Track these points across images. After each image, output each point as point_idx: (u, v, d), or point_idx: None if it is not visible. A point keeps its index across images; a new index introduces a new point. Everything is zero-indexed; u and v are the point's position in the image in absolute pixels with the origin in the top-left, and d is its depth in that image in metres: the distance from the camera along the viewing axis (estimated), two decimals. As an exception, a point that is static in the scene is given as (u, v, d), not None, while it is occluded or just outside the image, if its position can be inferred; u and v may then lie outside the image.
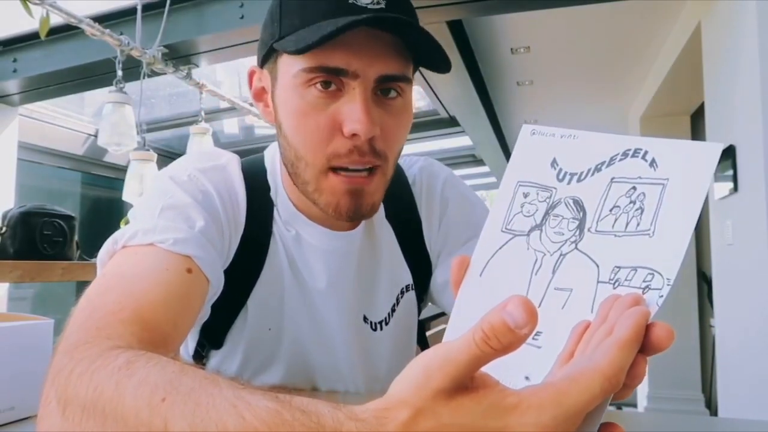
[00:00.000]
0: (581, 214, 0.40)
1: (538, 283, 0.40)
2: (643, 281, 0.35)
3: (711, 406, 3.82)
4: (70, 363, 0.42)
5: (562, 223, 0.41)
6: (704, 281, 3.82)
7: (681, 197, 0.36)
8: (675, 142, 0.39)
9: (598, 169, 0.41)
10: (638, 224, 0.37)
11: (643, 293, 0.35)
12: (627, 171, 0.40)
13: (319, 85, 0.60)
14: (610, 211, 0.39)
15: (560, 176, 0.43)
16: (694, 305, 3.92)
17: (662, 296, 0.34)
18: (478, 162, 5.73)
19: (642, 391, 4.19)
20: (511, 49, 3.19)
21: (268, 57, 0.66)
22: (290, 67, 0.62)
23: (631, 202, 0.38)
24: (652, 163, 0.39)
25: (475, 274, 0.42)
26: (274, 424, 0.30)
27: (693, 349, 3.94)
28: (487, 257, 0.42)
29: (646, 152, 0.39)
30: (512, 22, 2.87)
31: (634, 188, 0.39)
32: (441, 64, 0.62)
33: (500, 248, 0.42)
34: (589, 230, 0.39)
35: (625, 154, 0.40)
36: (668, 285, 0.34)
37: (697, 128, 3.96)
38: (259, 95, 0.70)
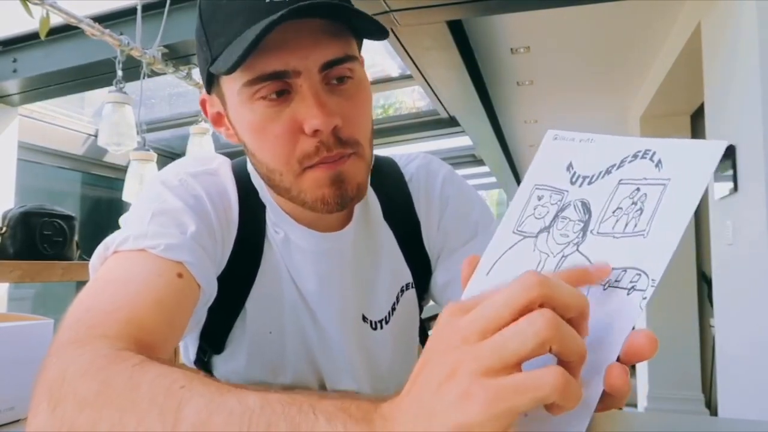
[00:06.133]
0: (587, 216, 0.40)
1: None
2: (630, 282, 0.35)
3: (711, 406, 3.82)
4: (60, 362, 0.42)
5: (568, 226, 0.41)
6: (704, 281, 3.81)
7: (678, 197, 0.36)
8: (682, 141, 0.38)
9: (608, 171, 0.41)
10: (635, 225, 0.37)
11: (628, 294, 0.35)
12: (634, 172, 0.39)
13: (267, 96, 0.59)
14: (613, 213, 0.39)
15: (573, 179, 0.43)
16: (694, 305, 3.92)
17: (645, 298, 0.34)
18: (478, 162, 5.73)
19: (642, 391, 4.19)
20: (511, 49, 3.19)
21: (211, 82, 0.65)
22: (233, 86, 0.61)
23: (633, 204, 0.38)
24: (658, 164, 0.38)
25: (483, 272, 0.42)
26: (299, 397, 0.34)
27: (693, 349, 3.94)
28: (496, 257, 0.43)
29: (654, 153, 0.39)
30: (512, 22, 2.87)
31: (638, 189, 0.38)
32: (376, 33, 0.61)
33: (509, 249, 0.43)
34: (591, 232, 0.39)
35: (635, 156, 0.40)
36: (652, 286, 0.34)
37: (697, 128, 3.96)
38: (217, 121, 0.69)
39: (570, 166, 0.43)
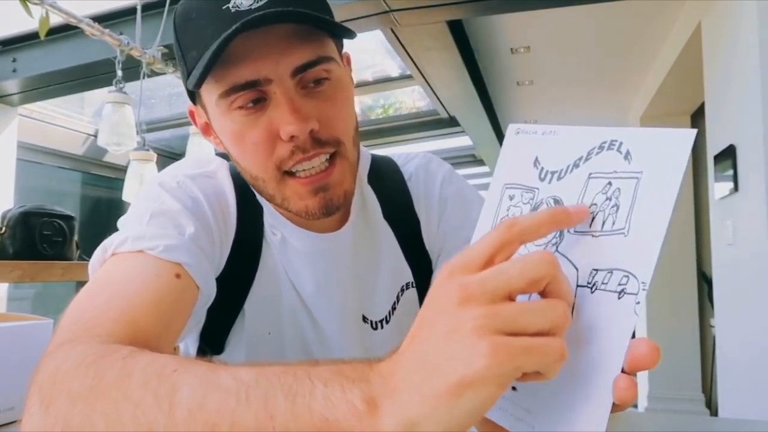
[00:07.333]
0: None
1: None
2: (619, 284, 0.33)
3: (711, 406, 3.82)
4: (53, 362, 0.42)
5: None
6: (704, 281, 3.81)
7: (654, 192, 0.34)
8: (649, 131, 0.36)
9: (576, 165, 0.39)
10: (614, 222, 0.35)
11: (619, 298, 0.33)
12: (603, 165, 0.37)
13: (244, 105, 0.59)
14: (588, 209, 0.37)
15: (542, 175, 0.41)
16: (694, 305, 3.92)
17: (638, 302, 0.32)
18: (478, 162, 5.73)
19: (642, 391, 4.19)
20: (511, 49, 3.19)
21: (193, 94, 0.66)
22: (210, 98, 0.61)
23: (607, 199, 0.36)
24: (627, 156, 0.36)
25: None
26: (293, 366, 0.34)
27: (693, 349, 3.94)
28: None
29: (621, 144, 0.37)
30: (512, 22, 2.87)
31: (610, 183, 0.36)
32: (344, 33, 0.61)
33: None
34: (568, 231, 0.37)
35: (601, 147, 0.38)
36: (644, 290, 0.32)
37: (697, 128, 3.96)
38: (206, 130, 0.70)
39: (537, 162, 0.42)
